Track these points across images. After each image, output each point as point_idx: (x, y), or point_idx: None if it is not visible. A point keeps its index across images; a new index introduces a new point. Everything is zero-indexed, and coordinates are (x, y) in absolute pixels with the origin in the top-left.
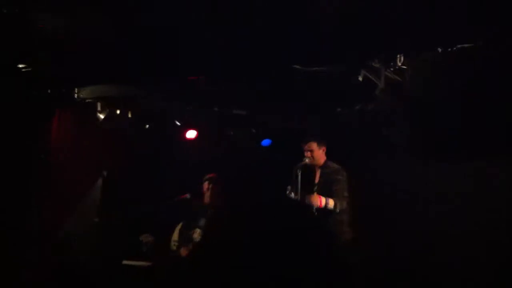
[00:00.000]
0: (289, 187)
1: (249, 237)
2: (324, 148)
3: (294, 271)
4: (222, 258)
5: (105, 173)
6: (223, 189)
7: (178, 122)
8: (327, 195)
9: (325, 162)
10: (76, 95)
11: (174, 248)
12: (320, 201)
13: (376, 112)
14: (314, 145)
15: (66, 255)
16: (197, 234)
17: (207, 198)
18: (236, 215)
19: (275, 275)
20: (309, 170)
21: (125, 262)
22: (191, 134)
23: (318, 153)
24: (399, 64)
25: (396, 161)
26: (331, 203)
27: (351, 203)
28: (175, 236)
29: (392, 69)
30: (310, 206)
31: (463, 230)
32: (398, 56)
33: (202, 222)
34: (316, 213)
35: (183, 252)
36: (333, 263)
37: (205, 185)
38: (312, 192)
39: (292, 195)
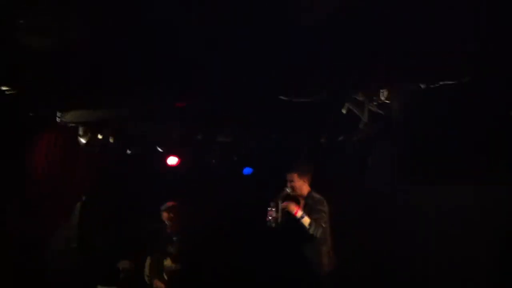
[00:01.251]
0: (269, 217)
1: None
2: (306, 178)
3: None
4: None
5: (83, 198)
6: (184, 217)
7: (160, 148)
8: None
9: (309, 192)
10: (58, 119)
11: (148, 281)
12: (296, 210)
13: (360, 142)
14: (294, 176)
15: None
16: (168, 262)
17: (169, 227)
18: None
19: None
20: (292, 200)
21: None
22: (172, 160)
23: (299, 184)
24: (383, 99)
25: (381, 189)
26: (306, 220)
27: (330, 235)
28: (146, 270)
29: (375, 103)
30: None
31: (450, 252)
32: (382, 90)
33: (170, 249)
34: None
35: (157, 283)
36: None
37: (165, 214)
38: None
39: (273, 224)
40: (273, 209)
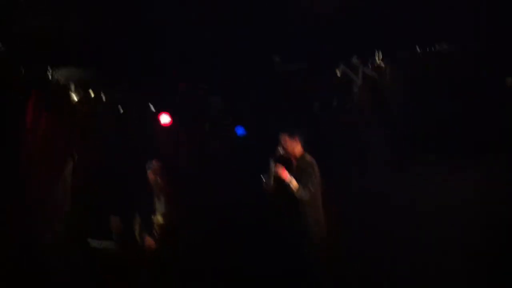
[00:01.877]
0: (265, 176)
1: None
2: (298, 140)
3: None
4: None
5: (76, 156)
6: (168, 177)
7: (153, 108)
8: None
9: (302, 154)
10: (50, 76)
11: (139, 240)
12: (286, 174)
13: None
14: (286, 138)
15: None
16: (157, 218)
17: (155, 187)
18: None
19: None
20: (285, 161)
21: (93, 244)
22: (165, 119)
23: (291, 145)
24: (378, 62)
25: (371, 161)
26: (295, 183)
27: (321, 199)
28: (137, 228)
29: (370, 66)
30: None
31: (438, 232)
32: (377, 53)
33: (158, 206)
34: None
35: (148, 241)
36: (295, 258)
37: (150, 174)
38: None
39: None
40: (265, 179)
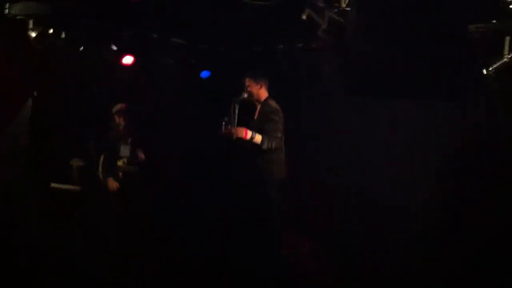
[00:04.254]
0: (226, 119)
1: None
2: (262, 84)
3: (216, 206)
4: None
5: (35, 93)
6: (134, 120)
7: (115, 46)
8: (259, 132)
9: (266, 99)
10: (6, 10)
11: (102, 179)
12: (245, 133)
13: (317, 51)
14: (250, 81)
15: None
16: (121, 163)
17: (121, 130)
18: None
19: (200, 210)
20: (249, 105)
21: (53, 185)
22: (127, 59)
23: (255, 89)
24: (344, 6)
25: (335, 102)
26: (258, 138)
27: (285, 144)
28: (100, 168)
29: (336, 10)
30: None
31: (399, 177)
32: None
33: (123, 151)
34: (239, 145)
35: (111, 183)
36: (258, 200)
37: (116, 118)
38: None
39: (228, 127)
40: (227, 122)
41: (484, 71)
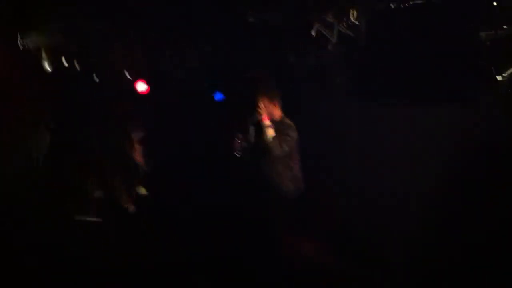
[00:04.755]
0: (239, 136)
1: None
2: (276, 102)
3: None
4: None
5: (50, 122)
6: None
7: (129, 75)
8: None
9: (280, 117)
10: (20, 41)
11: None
12: (265, 116)
13: (329, 63)
14: (264, 100)
15: None
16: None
17: (138, 156)
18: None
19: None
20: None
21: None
22: (141, 87)
23: (269, 108)
24: (352, 19)
25: (348, 111)
26: (271, 131)
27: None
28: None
29: (345, 24)
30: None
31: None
32: (351, 10)
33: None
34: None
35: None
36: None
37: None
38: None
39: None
40: (240, 139)
41: (498, 77)
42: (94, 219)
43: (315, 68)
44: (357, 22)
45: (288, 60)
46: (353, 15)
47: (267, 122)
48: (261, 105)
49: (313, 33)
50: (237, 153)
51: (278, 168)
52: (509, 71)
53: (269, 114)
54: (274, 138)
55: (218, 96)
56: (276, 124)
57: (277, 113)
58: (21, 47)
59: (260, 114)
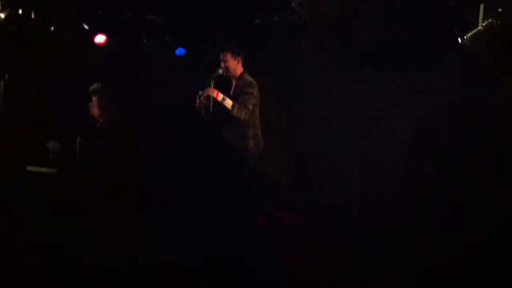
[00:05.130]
0: (200, 93)
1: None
2: (239, 59)
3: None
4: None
5: (6, 76)
6: (110, 100)
7: (86, 25)
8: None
9: (241, 74)
10: None
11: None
12: (217, 94)
13: (294, 24)
14: (228, 56)
15: None
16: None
17: (96, 111)
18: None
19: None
20: (224, 80)
21: (29, 168)
22: (100, 38)
23: (233, 64)
24: None
25: (311, 73)
26: (228, 102)
27: (260, 118)
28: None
29: None
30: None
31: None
32: None
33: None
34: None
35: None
36: (231, 174)
37: (94, 98)
38: None
39: (203, 100)
40: (202, 95)
41: (459, 40)
42: (48, 170)
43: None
44: None
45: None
46: None
47: (220, 96)
48: (224, 59)
49: None
50: (200, 111)
51: (242, 129)
52: (471, 34)
53: (232, 70)
54: (234, 105)
55: (180, 51)
56: (237, 80)
57: (239, 69)
58: None
59: (221, 70)
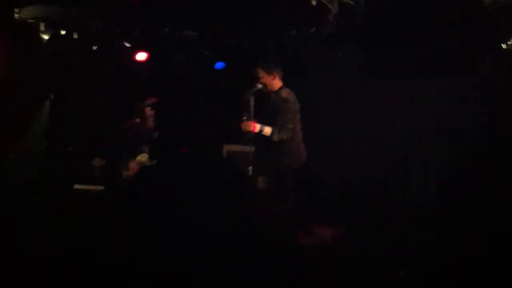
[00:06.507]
0: (245, 114)
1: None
2: (275, 74)
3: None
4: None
5: (51, 95)
6: (164, 114)
7: (127, 43)
8: (270, 124)
9: (279, 89)
10: (16, 15)
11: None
12: (253, 127)
13: (330, 35)
14: (261, 71)
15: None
16: (144, 158)
17: (150, 123)
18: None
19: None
20: (263, 95)
21: (76, 186)
22: (141, 56)
23: (268, 80)
24: None
25: (350, 83)
26: (267, 130)
27: (300, 131)
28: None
29: None
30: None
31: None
32: None
33: (146, 147)
34: (253, 139)
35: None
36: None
37: (147, 110)
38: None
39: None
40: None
41: (503, 45)
42: (95, 187)
43: (316, 39)
44: None
45: (289, 32)
46: None
47: (257, 128)
48: (259, 75)
49: (313, 2)
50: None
51: (279, 145)
52: None
53: (269, 86)
54: (273, 131)
55: (219, 65)
56: (275, 96)
57: (277, 84)
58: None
59: (260, 85)
